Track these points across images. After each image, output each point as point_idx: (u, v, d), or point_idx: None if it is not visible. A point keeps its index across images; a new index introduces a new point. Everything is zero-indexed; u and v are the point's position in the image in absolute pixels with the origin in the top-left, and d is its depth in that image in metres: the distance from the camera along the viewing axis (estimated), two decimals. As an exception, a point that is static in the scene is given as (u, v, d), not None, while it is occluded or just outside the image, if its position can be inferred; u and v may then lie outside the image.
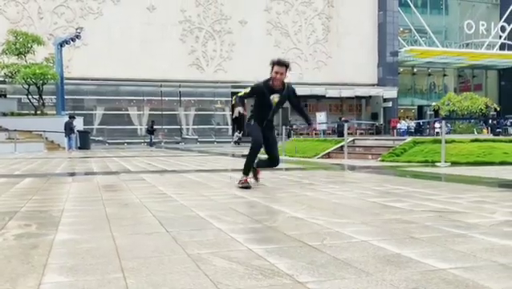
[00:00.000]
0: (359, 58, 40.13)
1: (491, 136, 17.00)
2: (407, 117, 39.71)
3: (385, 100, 40.92)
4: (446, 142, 12.36)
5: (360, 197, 4.99)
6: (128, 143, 32.65)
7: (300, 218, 3.68)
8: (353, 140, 14.52)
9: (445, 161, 11.00)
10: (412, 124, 37.11)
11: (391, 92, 39.87)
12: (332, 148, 14.27)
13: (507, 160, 10.69)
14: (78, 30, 25.68)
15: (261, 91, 5.93)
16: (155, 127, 31.08)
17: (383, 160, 12.10)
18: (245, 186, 5.87)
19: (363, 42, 40.73)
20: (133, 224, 3.53)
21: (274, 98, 5.93)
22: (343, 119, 28.66)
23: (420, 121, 38.62)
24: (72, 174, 8.43)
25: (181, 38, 37.11)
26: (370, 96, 41.44)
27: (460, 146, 12.14)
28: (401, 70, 44.60)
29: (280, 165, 10.55)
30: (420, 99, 47.08)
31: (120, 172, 8.46)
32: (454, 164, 10.93)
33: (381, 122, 41.62)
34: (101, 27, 34.47)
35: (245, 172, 6.03)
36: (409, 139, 13.07)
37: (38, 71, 23.67)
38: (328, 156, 14.17)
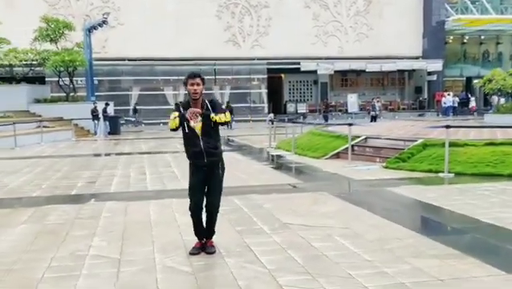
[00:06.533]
0: (403, 29, 38.27)
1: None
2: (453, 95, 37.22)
3: (429, 73, 39.05)
4: (458, 145, 11.61)
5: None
6: (163, 123, 32.85)
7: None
8: (365, 139, 13.81)
9: (450, 171, 10.31)
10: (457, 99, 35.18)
11: (435, 65, 37.88)
12: (343, 148, 13.64)
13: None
14: (104, 16, 25.80)
15: (180, 116, 4.94)
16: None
17: (386, 167, 11.48)
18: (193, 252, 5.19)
19: (406, 12, 38.76)
20: None
21: (196, 123, 4.91)
22: (376, 99, 27.55)
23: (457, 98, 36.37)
24: (39, 202, 8.28)
25: (217, 14, 36.56)
26: (413, 70, 39.64)
27: (471, 151, 11.27)
28: (450, 38, 42.12)
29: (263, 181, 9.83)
30: (470, 69, 44.56)
31: (91, 200, 8.35)
32: (459, 174, 10.24)
33: (425, 96, 39.88)
34: (137, 6, 34.39)
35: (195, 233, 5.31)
36: (419, 141, 12.24)
37: (66, 58, 24.01)
38: (338, 156, 13.62)
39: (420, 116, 36.11)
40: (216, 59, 35.35)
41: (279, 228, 6.21)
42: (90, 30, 25.99)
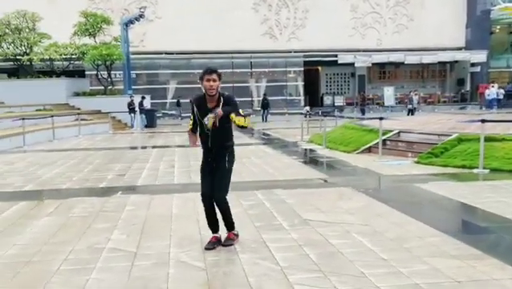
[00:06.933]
0: (445, 19, 37.27)
1: None
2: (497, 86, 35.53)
3: (473, 65, 37.85)
4: (495, 140, 11.19)
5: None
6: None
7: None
8: (398, 133, 13.50)
9: (485, 167, 9.94)
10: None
11: (479, 56, 36.70)
12: (374, 142, 13.37)
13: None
14: (141, 10, 26.17)
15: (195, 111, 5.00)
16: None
17: (418, 162, 11.18)
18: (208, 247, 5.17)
19: (449, 1, 37.76)
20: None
21: (209, 119, 4.81)
22: (413, 92, 26.93)
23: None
24: (68, 194, 8.45)
25: (254, 7, 36.55)
26: (456, 61, 38.50)
27: (509, 146, 10.81)
28: (496, 28, 40.52)
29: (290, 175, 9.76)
30: (517, 60, 42.94)
31: (118, 193, 8.45)
32: (495, 170, 9.86)
33: (468, 88, 38.69)
34: (174, -1, 34.77)
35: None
36: (454, 136, 11.87)
37: (104, 52, 24.51)
38: (369, 150, 13.36)
39: (461, 108, 35.11)
40: (252, 52, 35.35)
41: (298, 224, 6.13)
42: (127, 24, 26.42)
